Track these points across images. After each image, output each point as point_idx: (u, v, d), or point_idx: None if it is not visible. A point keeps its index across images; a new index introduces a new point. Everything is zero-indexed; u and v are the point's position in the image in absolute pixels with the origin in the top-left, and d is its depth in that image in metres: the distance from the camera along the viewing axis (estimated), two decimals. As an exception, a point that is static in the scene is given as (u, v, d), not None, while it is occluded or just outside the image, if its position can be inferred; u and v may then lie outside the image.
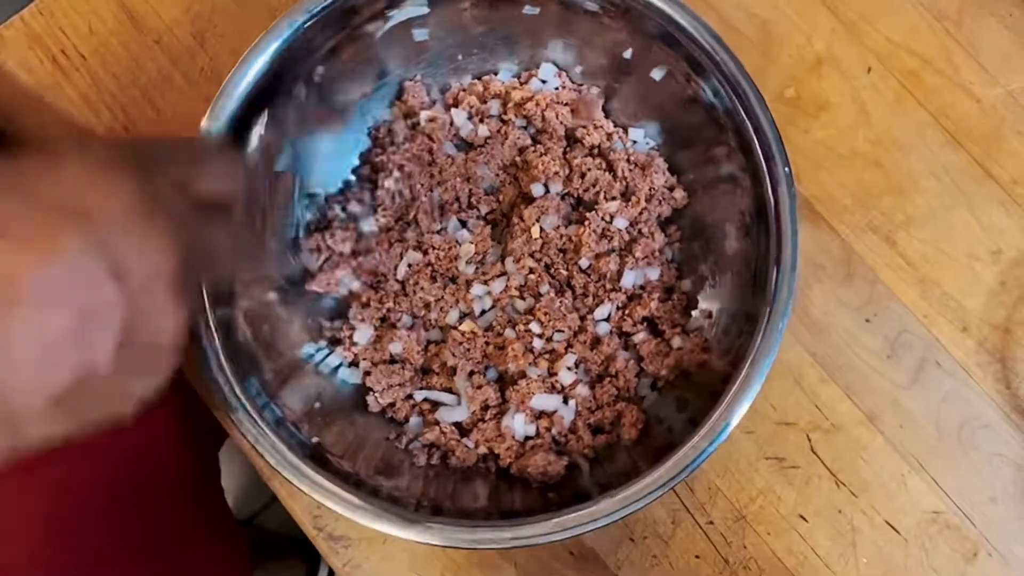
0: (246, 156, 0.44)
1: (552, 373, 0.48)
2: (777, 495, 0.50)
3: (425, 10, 0.48)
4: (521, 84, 0.52)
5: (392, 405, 0.48)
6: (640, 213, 0.50)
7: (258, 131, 0.45)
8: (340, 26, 0.46)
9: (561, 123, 0.51)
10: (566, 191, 0.51)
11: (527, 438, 0.47)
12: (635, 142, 0.52)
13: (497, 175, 0.51)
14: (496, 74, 0.53)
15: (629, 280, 0.49)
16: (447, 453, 0.47)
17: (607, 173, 0.50)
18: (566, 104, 0.51)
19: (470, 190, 0.51)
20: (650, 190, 0.50)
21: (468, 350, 0.48)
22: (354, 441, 0.45)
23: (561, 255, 0.50)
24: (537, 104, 0.50)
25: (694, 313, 0.49)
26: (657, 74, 0.49)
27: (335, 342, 0.49)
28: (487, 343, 0.48)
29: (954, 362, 0.52)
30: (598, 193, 0.50)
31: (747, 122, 0.44)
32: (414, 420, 0.48)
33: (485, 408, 0.48)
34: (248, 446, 0.41)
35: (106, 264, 0.25)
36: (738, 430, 0.49)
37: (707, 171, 0.50)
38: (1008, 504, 0.50)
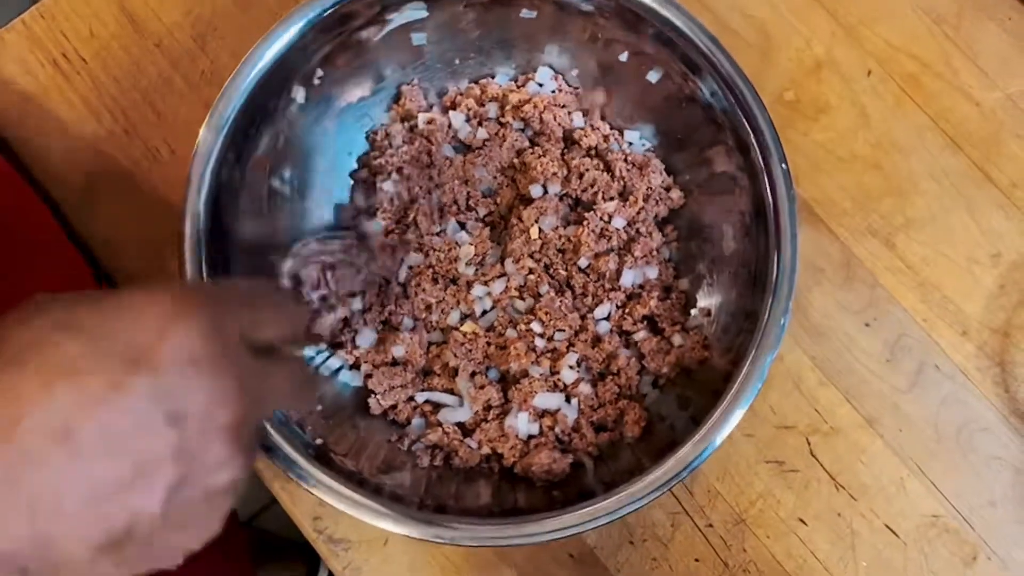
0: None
1: (554, 372, 0.48)
2: (776, 498, 0.50)
3: (424, 14, 0.48)
4: (518, 87, 0.52)
5: (394, 407, 0.48)
6: (638, 212, 0.50)
7: None
8: (339, 30, 0.46)
9: (559, 125, 0.51)
10: (564, 192, 0.51)
11: (530, 437, 0.47)
12: (631, 144, 0.52)
13: (495, 177, 0.51)
14: (493, 78, 0.53)
15: (628, 279, 0.49)
16: (450, 454, 0.47)
17: (605, 173, 0.50)
18: (563, 106, 0.52)
19: (468, 192, 0.51)
20: (647, 190, 0.50)
21: (470, 351, 0.48)
22: (357, 442, 0.45)
23: (560, 255, 0.50)
24: (535, 106, 0.50)
25: (693, 311, 0.49)
26: (653, 76, 0.49)
27: (336, 345, 0.49)
28: (488, 343, 0.48)
29: (953, 366, 0.52)
30: (596, 193, 0.50)
31: (744, 121, 0.44)
32: (416, 422, 0.48)
33: (488, 408, 0.48)
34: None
35: (165, 413, 0.25)
36: (738, 433, 0.49)
37: (702, 172, 0.50)
38: (1007, 507, 0.50)
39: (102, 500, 0.24)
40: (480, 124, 0.52)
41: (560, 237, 0.50)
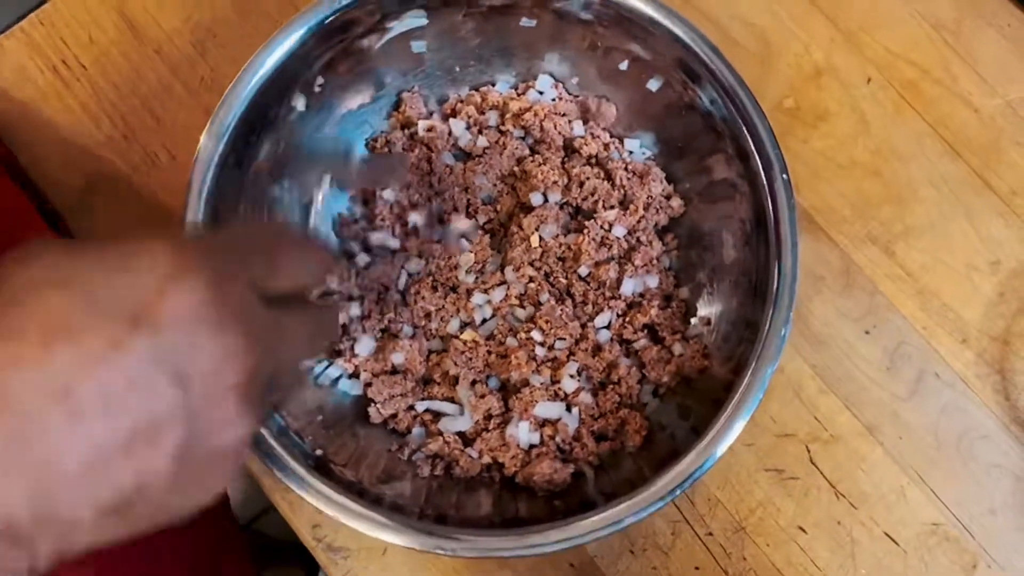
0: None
1: (555, 381, 0.48)
2: (776, 507, 0.50)
3: (424, 23, 0.48)
4: (519, 95, 0.52)
5: (394, 416, 0.48)
6: (638, 221, 0.50)
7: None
8: (340, 38, 0.46)
9: (560, 133, 0.51)
10: (564, 200, 0.51)
11: (532, 446, 0.47)
12: (631, 152, 0.52)
13: (495, 185, 0.51)
14: (493, 85, 0.53)
15: (629, 288, 0.49)
16: (451, 463, 0.47)
17: (605, 182, 0.50)
18: (563, 115, 0.52)
19: (468, 199, 0.51)
20: (648, 198, 0.50)
21: (470, 359, 0.48)
22: (356, 452, 0.45)
23: (560, 263, 0.50)
24: (536, 115, 0.50)
25: (693, 320, 0.49)
26: (653, 85, 0.49)
27: (335, 354, 0.49)
28: (489, 352, 0.48)
29: (953, 373, 0.52)
30: (596, 202, 0.50)
31: (744, 130, 0.44)
32: (416, 431, 0.48)
33: (488, 417, 0.48)
34: (253, 461, 0.41)
35: (169, 373, 0.24)
36: (738, 442, 0.49)
37: (702, 180, 0.50)
38: (1007, 515, 0.50)
39: (106, 461, 0.24)
40: (480, 132, 0.52)
41: (560, 245, 0.49)
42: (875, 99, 0.55)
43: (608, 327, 0.49)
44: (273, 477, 0.40)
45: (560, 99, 0.52)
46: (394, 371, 0.48)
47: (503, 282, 0.49)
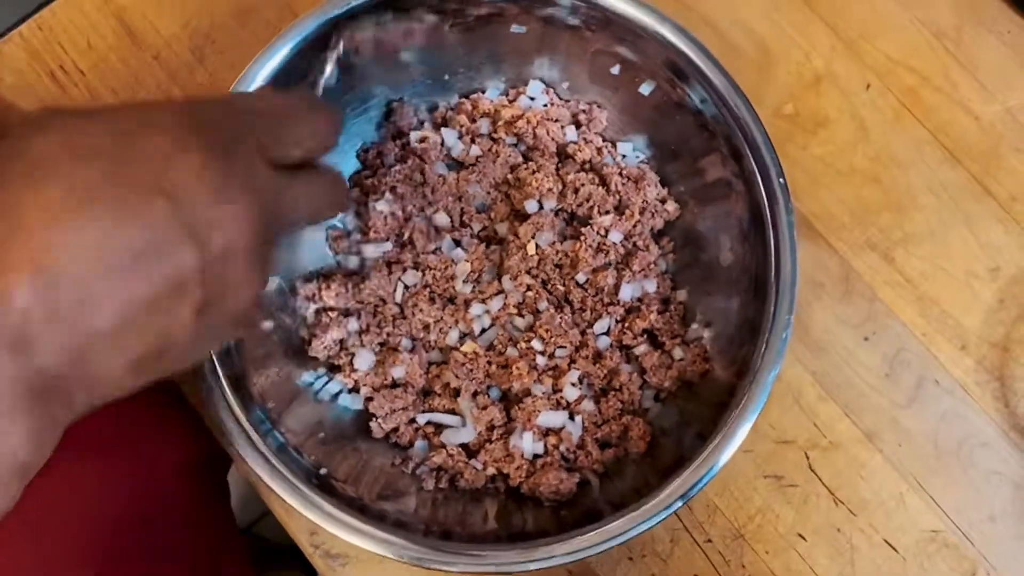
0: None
1: (556, 390, 0.48)
2: (776, 513, 0.50)
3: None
4: (510, 102, 0.52)
5: (396, 430, 0.48)
6: (634, 226, 0.50)
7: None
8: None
9: (553, 139, 0.51)
10: (559, 207, 0.51)
11: (536, 456, 0.47)
12: (624, 156, 0.52)
13: (488, 193, 0.51)
14: (483, 92, 0.53)
15: (627, 293, 0.49)
16: (455, 476, 0.47)
17: (600, 188, 0.50)
18: (556, 120, 0.51)
19: (462, 208, 0.51)
20: (643, 203, 0.50)
21: (471, 371, 0.48)
22: (359, 467, 0.45)
23: (558, 271, 0.50)
24: (528, 122, 0.50)
25: (693, 324, 0.49)
26: (646, 89, 0.49)
27: (334, 369, 0.49)
28: (489, 362, 0.48)
29: (953, 380, 0.52)
30: (592, 208, 0.50)
31: (736, 127, 0.44)
32: (419, 444, 0.48)
33: (491, 428, 0.48)
34: (252, 475, 0.40)
35: (187, 235, 0.26)
36: (737, 448, 0.49)
37: (696, 182, 0.50)
38: (1007, 523, 0.50)
39: (136, 318, 0.26)
40: (473, 141, 0.51)
41: (557, 253, 0.49)
42: (875, 106, 0.55)
43: (607, 333, 0.49)
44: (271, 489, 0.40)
45: (552, 104, 0.52)
46: (394, 385, 0.48)
47: (501, 291, 0.49)
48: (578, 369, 0.48)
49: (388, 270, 0.49)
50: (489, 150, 0.51)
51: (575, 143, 0.51)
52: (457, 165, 0.52)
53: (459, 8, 0.47)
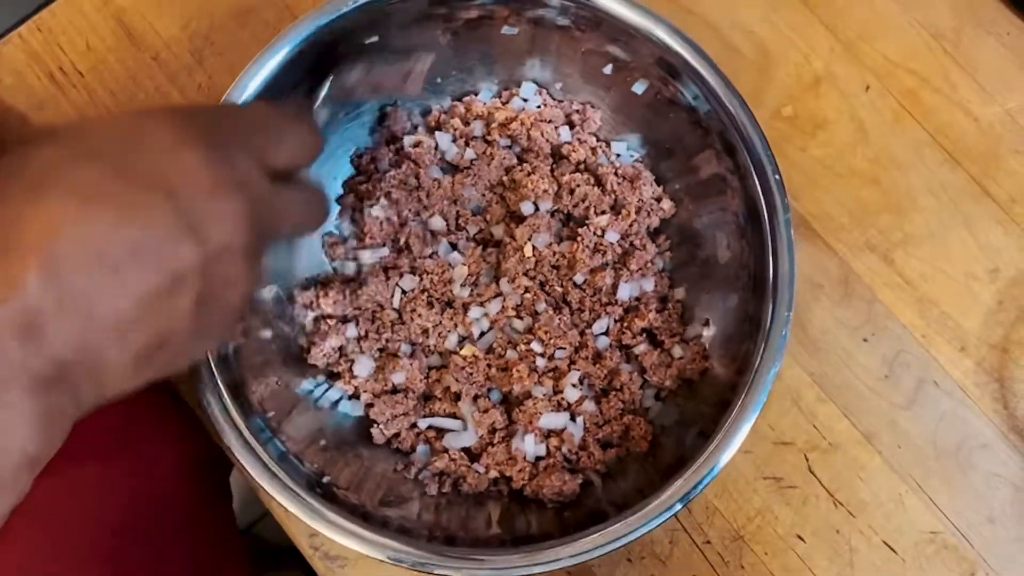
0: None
1: (557, 391, 0.48)
2: (775, 515, 0.50)
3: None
4: (503, 104, 0.52)
5: (397, 436, 0.48)
6: (631, 225, 0.50)
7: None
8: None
9: (547, 141, 0.51)
10: (555, 208, 0.51)
11: (538, 458, 0.47)
12: (619, 155, 0.52)
13: (484, 196, 0.51)
14: (476, 94, 0.53)
15: (625, 292, 0.49)
16: (458, 480, 0.47)
17: (595, 188, 0.50)
18: (549, 121, 0.51)
19: (457, 212, 0.51)
20: (639, 202, 0.50)
21: (471, 374, 0.48)
22: (361, 474, 0.45)
23: (555, 272, 0.50)
24: (522, 123, 0.50)
25: (691, 322, 0.49)
26: (639, 87, 0.49)
27: (333, 376, 0.49)
28: (489, 366, 0.48)
29: (952, 382, 0.52)
30: (588, 208, 0.50)
31: (729, 123, 0.44)
32: (421, 449, 0.48)
33: (493, 431, 0.47)
34: (254, 483, 0.40)
35: (187, 232, 0.27)
36: (731, 459, 0.49)
37: (691, 179, 0.50)
38: (1006, 524, 0.50)
39: (140, 311, 0.27)
40: (467, 144, 0.51)
41: (554, 254, 0.49)
42: (874, 107, 0.55)
43: (606, 333, 0.49)
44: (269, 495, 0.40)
45: (545, 105, 0.52)
46: (395, 390, 0.48)
47: (499, 294, 0.49)
48: (578, 370, 0.48)
49: (385, 276, 0.49)
50: (483, 153, 0.51)
51: (569, 144, 0.51)
52: (452, 169, 0.52)
53: (449, 12, 0.47)
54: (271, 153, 0.33)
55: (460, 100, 0.53)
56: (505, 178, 0.51)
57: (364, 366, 0.48)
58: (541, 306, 0.49)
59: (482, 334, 0.49)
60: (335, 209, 0.51)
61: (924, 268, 0.53)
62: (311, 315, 0.48)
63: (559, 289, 0.49)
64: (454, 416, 0.48)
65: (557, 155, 0.52)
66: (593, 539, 0.40)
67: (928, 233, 0.54)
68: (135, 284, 0.26)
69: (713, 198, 0.48)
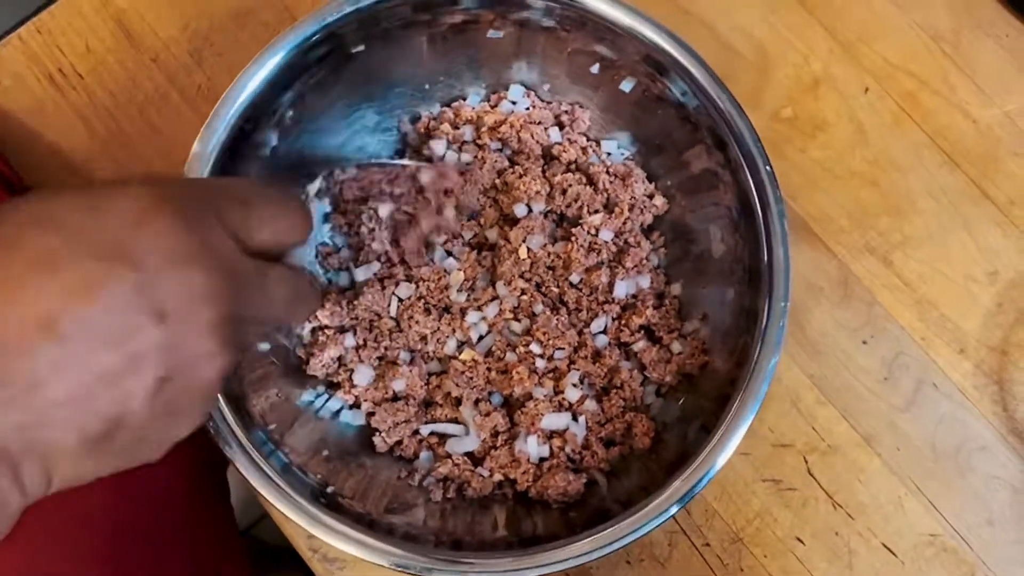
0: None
1: (558, 392, 0.48)
2: (774, 517, 0.50)
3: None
4: (492, 107, 0.52)
5: (400, 443, 0.48)
6: (624, 223, 0.50)
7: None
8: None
9: (537, 142, 0.51)
10: (548, 209, 0.51)
11: (542, 459, 0.47)
12: (609, 154, 0.52)
13: (477, 199, 0.51)
14: (465, 99, 0.53)
15: (621, 290, 0.49)
16: (462, 485, 0.47)
17: (588, 187, 0.50)
18: (539, 123, 0.51)
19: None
20: (632, 199, 0.50)
21: (471, 379, 0.47)
22: (365, 483, 0.45)
23: (551, 272, 0.50)
24: (511, 126, 0.50)
25: (689, 317, 0.49)
26: (627, 86, 0.49)
27: (333, 386, 0.49)
28: (489, 369, 0.48)
29: (951, 384, 0.52)
30: (581, 208, 0.50)
31: (718, 117, 0.44)
32: (424, 455, 0.48)
33: (495, 435, 0.47)
34: (259, 496, 0.40)
35: (147, 307, 0.25)
36: (735, 452, 0.49)
37: (682, 174, 0.50)
38: (1005, 527, 0.50)
39: (90, 390, 0.25)
40: (461, 149, 0.51)
41: (549, 255, 0.49)
42: (873, 109, 0.55)
43: (605, 332, 0.49)
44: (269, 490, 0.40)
45: (534, 107, 0.52)
46: (395, 398, 0.48)
47: (495, 297, 0.49)
48: (578, 369, 0.48)
49: (381, 285, 0.49)
50: (475, 156, 0.51)
51: (560, 144, 0.51)
52: None
53: (433, 18, 0.46)
54: (253, 228, 0.31)
55: (449, 105, 0.53)
56: (497, 181, 0.51)
57: (364, 375, 0.48)
58: (538, 307, 0.49)
59: (480, 338, 0.49)
60: (326, 225, 0.51)
61: (923, 270, 0.53)
62: (308, 326, 0.48)
63: (555, 290, 0.49)
64: (456, 421, 0.48)
65: (548, 156, 0.52)
66: (584, 544, 0.39)
67: (927, 235, 0.54)
68: (84, 362, 0.24)
69: (705, 193, 0.48)
